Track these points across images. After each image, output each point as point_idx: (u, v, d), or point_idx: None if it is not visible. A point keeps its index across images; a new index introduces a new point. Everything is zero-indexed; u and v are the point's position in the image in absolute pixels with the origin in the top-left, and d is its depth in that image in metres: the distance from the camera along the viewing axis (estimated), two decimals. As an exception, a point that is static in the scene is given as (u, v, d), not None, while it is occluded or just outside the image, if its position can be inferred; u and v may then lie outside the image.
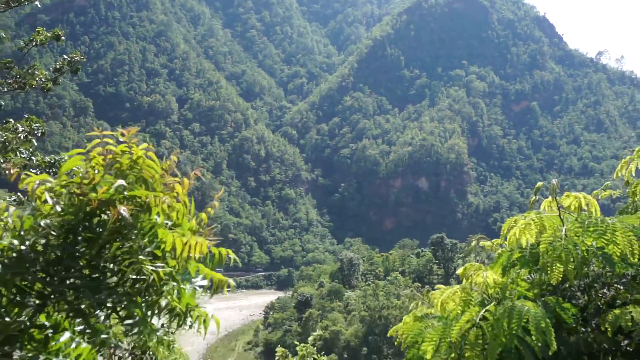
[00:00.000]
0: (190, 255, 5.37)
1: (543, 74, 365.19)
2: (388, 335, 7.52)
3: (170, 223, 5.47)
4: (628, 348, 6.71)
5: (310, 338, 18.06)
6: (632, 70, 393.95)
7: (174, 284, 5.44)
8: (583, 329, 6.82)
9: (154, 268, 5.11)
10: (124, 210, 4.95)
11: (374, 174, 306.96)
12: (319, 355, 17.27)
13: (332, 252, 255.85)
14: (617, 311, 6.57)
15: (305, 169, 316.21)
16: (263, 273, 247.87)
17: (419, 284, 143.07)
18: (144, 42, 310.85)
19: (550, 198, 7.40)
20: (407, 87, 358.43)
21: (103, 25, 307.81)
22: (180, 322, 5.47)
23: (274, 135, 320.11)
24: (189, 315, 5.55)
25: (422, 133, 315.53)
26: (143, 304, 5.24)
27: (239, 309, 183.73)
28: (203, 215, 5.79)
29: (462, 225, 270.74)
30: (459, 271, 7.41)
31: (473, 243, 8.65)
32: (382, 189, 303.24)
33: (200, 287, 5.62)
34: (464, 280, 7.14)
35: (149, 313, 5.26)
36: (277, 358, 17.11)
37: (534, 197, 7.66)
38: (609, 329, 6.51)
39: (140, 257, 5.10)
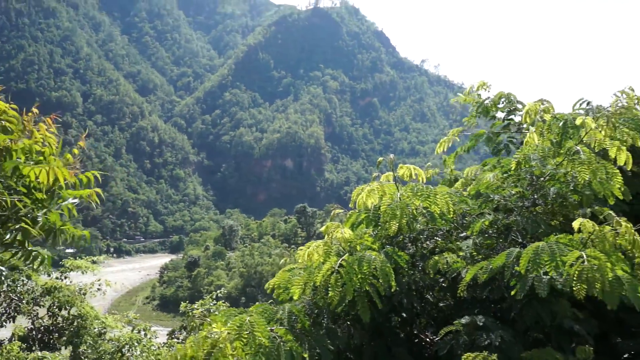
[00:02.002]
0: (59, 184, 5.59)
1: (381, 76, 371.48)
2: (264, 287, 7.07)
3: (33, 162, 5.62)
4: (443, 284, 7.07)
5: (207, 297, 16.89)
6: (445, 75, 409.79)
7: (45, 210, 5.76)
8: (412, 272, 6.97)
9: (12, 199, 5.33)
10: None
11: (249, 156, 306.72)
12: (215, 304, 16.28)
13: (216, 221, 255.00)
14: (436, 257, 6.83)
15: (192, 152, 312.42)
16: (158, 239, 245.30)
17: (287, 245, 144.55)
18: (52, 45, 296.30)
19: (388, 172, 7.39)
20: (276, 85, 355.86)
21: (14, 30, 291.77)
22: (58, 240, 5.81)
23: (166, 124, 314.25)
24: (63, 233, 5.91)
25: (288, 122, 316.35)
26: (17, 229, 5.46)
27: (138, 270, 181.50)
28: (67, 155, 6.07)
29: (320, 196, 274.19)
30: (322, 229, 7.15)
31: (334, 212, 8.04)
32: (256, 168, 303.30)
33: (74, 203, 5.96)
34: (326, 236, 6.91)
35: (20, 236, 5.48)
36: (181, 311, 16.92)
37: (376, 172, 7.56)
38: (431, 271, 6.80)
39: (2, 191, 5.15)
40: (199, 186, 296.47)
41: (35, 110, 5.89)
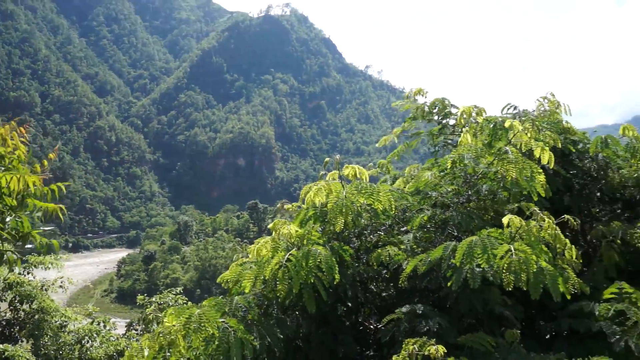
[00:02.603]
0: (27, 191, 5.62)
1: (328, 80, 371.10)
2: (217, 280, 7.11)
3: (3, 169, 5.63)
4: (386, 275, 7.15)
5: (165, 291, 16.87)
6: (388, 80, 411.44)
7: (14, 215, 5.83)
8: (357, 264, 7.02)
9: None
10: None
11: (203, 155, 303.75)
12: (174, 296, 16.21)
13: (171, 216, 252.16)
14: (379, 250, 6.88)
15: (149, 151, 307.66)
16: (116, 235, 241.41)
17: (240, 239, 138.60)
18: (10, 46, 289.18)
19: (334, 171, 7.39)
20: (229, 87, 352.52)
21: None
22: (26, 243, 5.90)
23: (123, 124, 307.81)
24: (31, 238, 5.98)
25: (240, 123, 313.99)
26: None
27: (96, 265, 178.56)
28: (37, 166, 6.13)
29: (271, 193, 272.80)
30: (270, 225, 7.17)
31: (278, 205, 8.38)
32: (210, 167, 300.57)
33: (38, 215, 6.03)
34: (274, 233, 6.93)
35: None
36: (138, 303, 16.95)
37: (323, 172, 7.60)
38: (374, 263, 6.87)
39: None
40: (154, 184, 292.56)
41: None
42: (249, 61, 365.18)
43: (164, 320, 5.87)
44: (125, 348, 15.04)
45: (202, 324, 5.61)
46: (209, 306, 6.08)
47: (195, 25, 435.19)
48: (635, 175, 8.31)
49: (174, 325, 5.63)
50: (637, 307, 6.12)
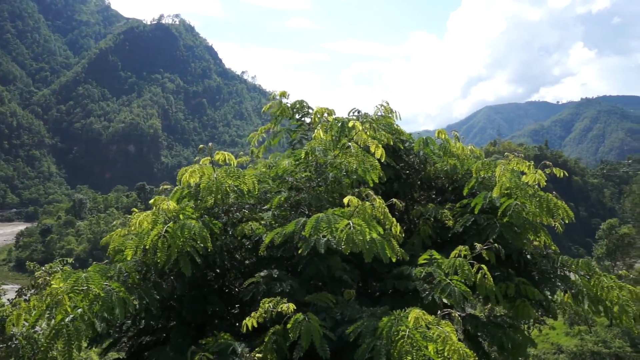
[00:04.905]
0: None
1: (210, 81, 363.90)
2: (101, 243, 6.97)
3: None
4: (248, 246, 7.00)
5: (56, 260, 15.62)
6: (260, 84, 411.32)
7: None
8: (224, 236, 6.90)
9: None
10: None
11: (98, 141, 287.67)
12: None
13: (67, 195, 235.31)
14: (243, 225, 6.82)
15: (48, 137, 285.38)
16: (15, 210, 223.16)
17: (128, 215, 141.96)
18: None
19: (207, 157, 7.21)
20: (122, 83, 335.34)
21: None
22: None
23: (24, 111, 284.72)
24: None
25: (131, 115, 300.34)
26: None
27: None
28: None
29: (157, 176, 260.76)
30: (151, 201, 6.84)
31: (161, 187, 8.16)
32: (104, 152, 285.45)
33: None
34: (154, 208, 6.65)
35: None
36: (28, 269, 15.58)
37: (197, 157, 7.46)
38: (239, 235, 6.84)
39: None
40: (52, 165, 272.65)
41: None
42: (141, 61, 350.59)
43: (52, 283, 5.53)
44: (10, 314, 13.56)
45: (88, 286, 5.40)
46: (93, 271, 5.81)
47: (95, 27, 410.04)
48: (445, 168, 8.76)
49: (60, 287, 5.34)
50: (441, 269, 6.44)
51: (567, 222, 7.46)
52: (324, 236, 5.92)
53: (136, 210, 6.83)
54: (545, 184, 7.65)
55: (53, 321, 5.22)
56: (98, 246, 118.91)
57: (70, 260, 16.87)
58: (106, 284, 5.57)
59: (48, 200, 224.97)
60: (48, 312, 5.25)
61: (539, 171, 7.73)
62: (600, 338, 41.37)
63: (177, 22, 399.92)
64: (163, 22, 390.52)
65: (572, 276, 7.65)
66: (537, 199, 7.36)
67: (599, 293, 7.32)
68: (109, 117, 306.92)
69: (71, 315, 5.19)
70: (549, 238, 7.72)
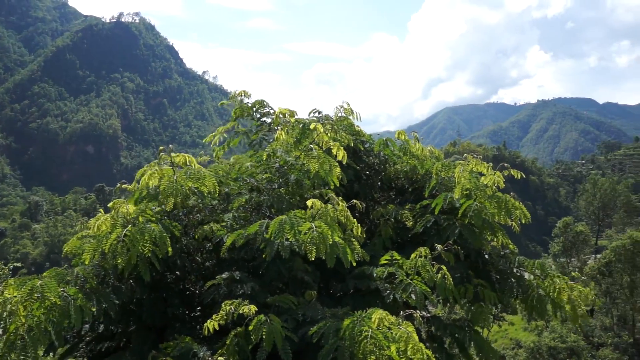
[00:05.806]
0: None
1: (171, 81, 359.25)
2: (63, 251, 6.70)
3: None
4: (209, 248, 7.01)
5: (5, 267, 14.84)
6: (221, 85, 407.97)
7: None
8: (185, 239, 6.83)
9: None
10: None
11: (54, 142, 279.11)
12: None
13: (22, 197, 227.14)
14: (205, 227, 6.79)
15: (1, 137, 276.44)
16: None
17: (87, 217, 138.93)
18: None
19: (166, 156, 7.15)
20: (80, 82, 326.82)
21: None
22: None
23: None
24: None
25: (90, 115, 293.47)
26: None
27: None
28: None
29: (117, 177, 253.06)
30: (110, 204, 6.73)
31: (118, 186, 7.82)
32: (61, 152, 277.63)
33: None
34: (113, 211, 6.59)
35: None
36: None
37: (157, 160, 7.34)
38: (200, 237, 6.77)
39: None
40: (6, 166, 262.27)
41: None
42: (100, 60, 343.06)
43: (4, 292, 5.32)
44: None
45: (44, 294, 5.20)
46: (49, 277, 5.61)
47: (51, 24, 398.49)
48: (405, 169, 8.85)
49: (15, 296, 5.13)
50: (402, 269, 6.55)
51: (524, 222, 7.70)
52: (287, 239, 5.89)
53: (102, 211, 6.72)
54: (504, 185, 7.86)
55: (6, 334, 5.01)
56: (55, 250, 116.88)
57: (18, 264, 16.21)
58: (63, 290, 5.41)
59: (2, 203, 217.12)
60: (2, 323, 5.03)
61: (498, 173, 7.92)
62: (557, 333, 42.72)
63: (137, 21, 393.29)
64: (123, 20, 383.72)
65: (527, 276, 7.88)
66: (496, 200, 7.55)
67: (551, 294, 7.57)
68: (67, 117, 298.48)
69: (26, 325, 5.01)
70: (507, 238, 7.93)
